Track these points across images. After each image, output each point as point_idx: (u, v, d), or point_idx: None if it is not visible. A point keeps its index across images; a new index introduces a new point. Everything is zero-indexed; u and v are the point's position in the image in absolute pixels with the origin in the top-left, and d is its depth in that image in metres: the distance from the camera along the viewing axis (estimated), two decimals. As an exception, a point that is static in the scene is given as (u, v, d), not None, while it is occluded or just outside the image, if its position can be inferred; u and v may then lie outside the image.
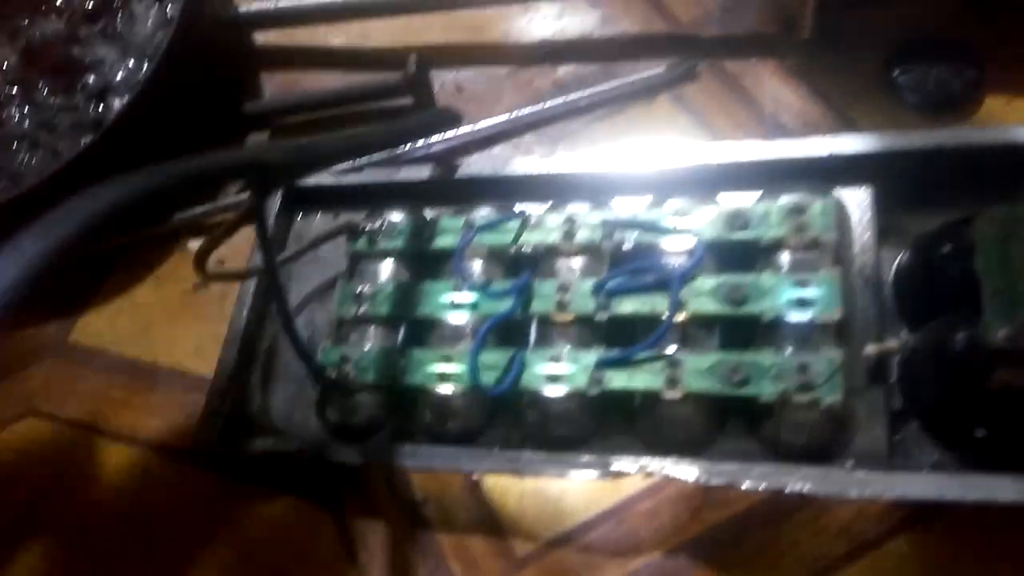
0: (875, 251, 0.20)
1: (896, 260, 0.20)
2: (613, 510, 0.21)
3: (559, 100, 0.27)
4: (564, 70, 0.28)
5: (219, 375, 0.23)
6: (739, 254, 0.20)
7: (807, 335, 0.18)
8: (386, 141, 0.23)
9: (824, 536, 0.19)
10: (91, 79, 0.26)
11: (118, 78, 0.27)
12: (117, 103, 0.27)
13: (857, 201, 0.20)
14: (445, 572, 0.21)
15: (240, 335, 0.23)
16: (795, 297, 0.19)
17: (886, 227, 0.20)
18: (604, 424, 0.20)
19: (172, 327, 0.26)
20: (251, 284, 0.24)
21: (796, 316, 0.19)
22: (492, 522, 0.21)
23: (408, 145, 0.26)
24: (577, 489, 0.21)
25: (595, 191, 0.22)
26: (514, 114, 0.27)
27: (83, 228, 0.13)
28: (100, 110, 0.27)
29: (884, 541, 0.19)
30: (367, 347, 0.22)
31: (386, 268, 0.23)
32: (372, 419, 0.21)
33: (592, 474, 0.18)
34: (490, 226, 0.22)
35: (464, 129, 0.27)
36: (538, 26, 0.30)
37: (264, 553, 0.22)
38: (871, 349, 0.18)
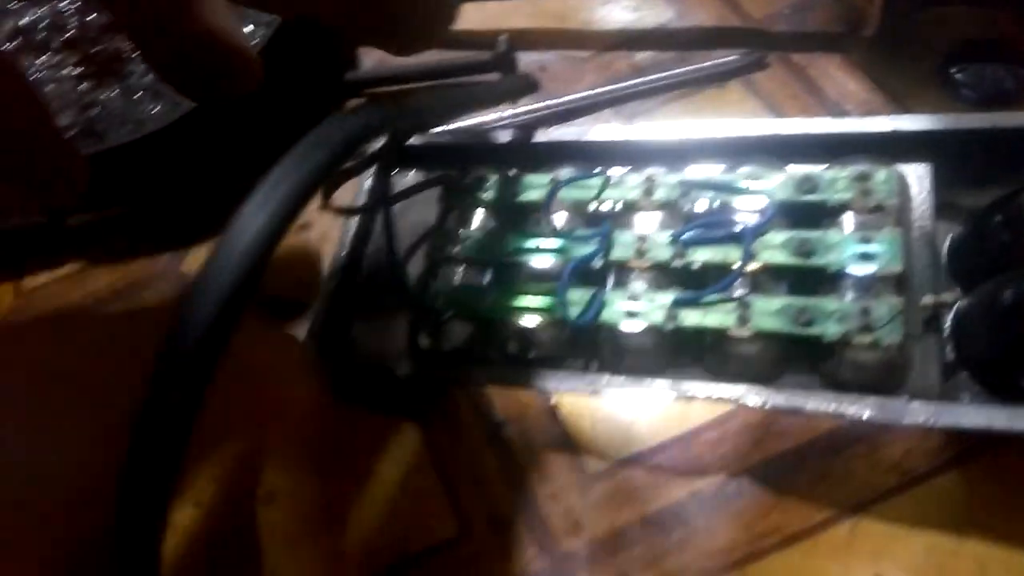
0: (932, 220, 0.21)
1: (950, 232, 0.22)
2: (680, 437, 0.23)
3: (637, 80, 0.29)
4: (641, 56, 0.31)
5: (321, 301, 0.25)
6: (807, 215, 0.22)
7: (869, 285, 0.20)
8: (482, 101, 0.25)
9: (877, 470, 0.21)
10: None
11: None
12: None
13: (917, 176, 0.22)
14: (524, 480, 0.23)
15: (341, 267, 0.25)
16: (859, 252, 0.20)
17: (942, 202, 0.22)
18: (676, 359, 0.21)
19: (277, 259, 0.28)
20: (351, 226, 0.26)
21: (859, 269, 0.20)
22: (567, 442, 0.23)
23: (493, 110, 0.28)
24: (647, 418, 0.23)
25: (671, 157, 0.24)
26: (595, 91, 0.29)
27: (341, 151, 0.14)
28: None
29: (932, 476, 0.21)
30: (457, 283, 0.24)
31: (476, 217, 0.25)
32: (460, 346, 0.23)
33: (669, 396, 0.20)
34: (574, 181, 0.24)
35: (547, 101, 0.29)
36: (617, 16, 0.32)
37: (362, 460, 0.24)
38: (928, 299, 0.20)
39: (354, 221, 0.26)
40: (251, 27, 0.31)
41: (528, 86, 0.27)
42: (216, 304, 0.11)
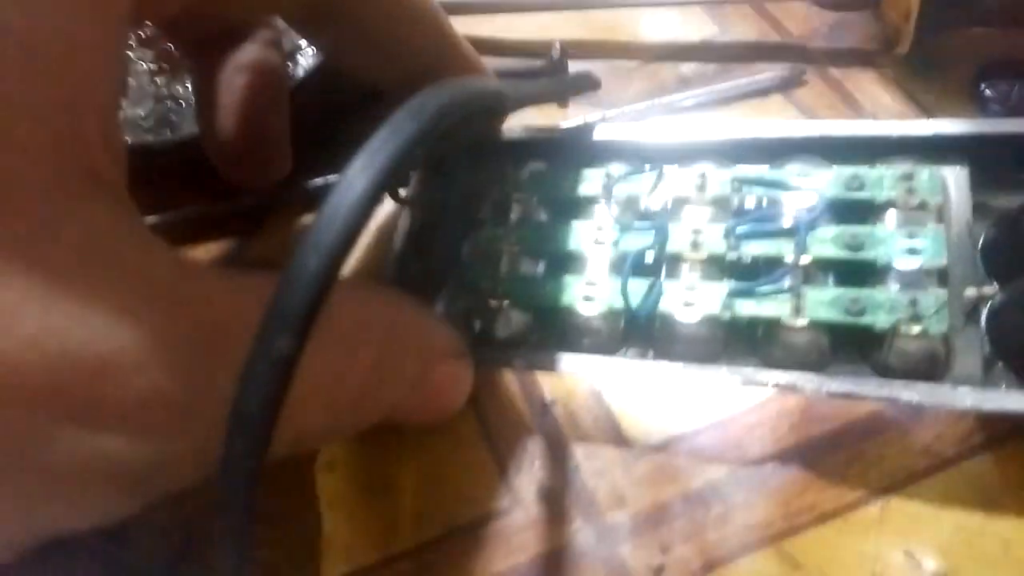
0: (970, 218, 0.23)
1: (983, 231, 0.23)
2: (720, 421, 0.24)
3: (684, 93, 0.31)
4: (686, 67, 0.33)
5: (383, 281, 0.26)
6: (854, 211, 0.23)
7: (915, 279, 0.21)
8: (551, 94, 0.27)
9: (908, 453, 0.22)
10: (286, 40, 0.30)
11: (305, 44, 0.32)
12: (303, 65, 0.32)
13: (954, 177, 0.23)
14: (571, 456, 0.24)
15: (399, 256, 0.27)
16: (905, 247, 0.21)
17: (976, 203, 0.23)
18: (728, 348, 0.23)
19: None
20: (407, 217, 0.27)
21: (905, 263, 0.21)
22: (612, 423, 0.24)
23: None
24: (688, 402, 0.24)
25: (719, 155, 0.25)
26: (644, 104, 0.31)
27: (435, 122, 0.15)
28: (292, 67, 0.32)
29: (961, 459, 0.22)
30: (513, 272, 0.25)
31: (531, 210, 0.26)
32: (515, 333, 0.24)
33: (733, 382, 0.21)
34: (628, 176, 0.25)
35: (601, 112, 0.31)
36: (663, 29, 0.34)
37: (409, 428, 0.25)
38: (971, 292, 0.21)
39: (410, 211, 0.28)
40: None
41: (591, 83, 0.29)
42: (325, 260, 0.12)
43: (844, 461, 0.23)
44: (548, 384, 0.26)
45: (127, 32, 0.15)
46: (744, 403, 0.24)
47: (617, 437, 0.24)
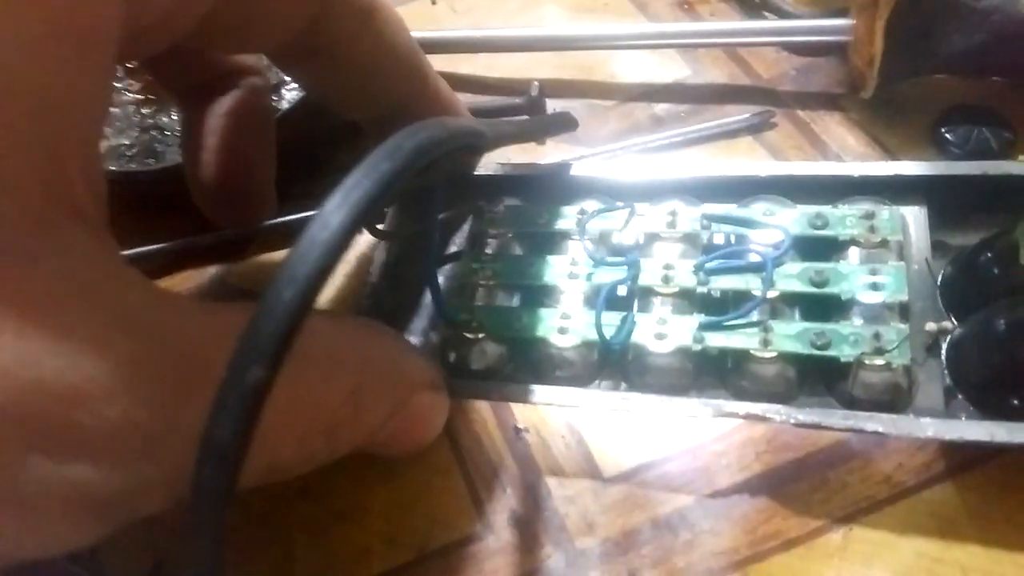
0: (930, 256, 0.24)
1: (941, 268, 0.24)
2: (689, 449, 0.24)
3: (657, 134, 0.32)
4: (660, 107, 0.34)
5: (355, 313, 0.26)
6: (818, 248, 0.24)
7: (878, 312, 0.22)
8: (529, 133, 0.28)
9: (869, 482, 0.23)
10: (271, 74, 0.31)
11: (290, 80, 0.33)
12: (288, 99, 0.33)
13: (914, 216, 0.24)
14: (543, 483, 0.24)
15: (374, 288, 0.27)
16: (868, 282, 0.22)
17: (935, 242, 0.24)
18: (698, 380, 0.23)
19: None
20: (384, 249, 0.28)
21: (868, 297, 0.22)
22: (584, 450, 0.25)
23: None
24: (658, 430, 0.25)
25: (688, 193, 0.26)
26: (620, 144, 0.32)
27: (412, 159, 0.15)
28: (276, 100, 0.33)
29: (921, 488, 0.23)
30: (488, 304, 0.25)
31: (506, 245, 0.27)
32: (490, 364, 0.24)
33: (704, 413, 0.21)
34: (601, 212, 0.26)
35: (577, 152, 0.32)
36: (638, 71, 0.35)
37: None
38: (931, 326, 0.22)
39: (386, 244, 0.28)
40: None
41: (569, 123, 0.29)
42: (299, 292, 0.13)
43: (808, 489, 0.23)
44: (521, 412, 0.26)
45: (112, 73, 0.15)
46: (712, 432, 0.25)
47: (588, 464, 0.25)
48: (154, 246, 0.31)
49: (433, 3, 0.40)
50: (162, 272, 0.32)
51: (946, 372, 0.22)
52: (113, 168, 0.32)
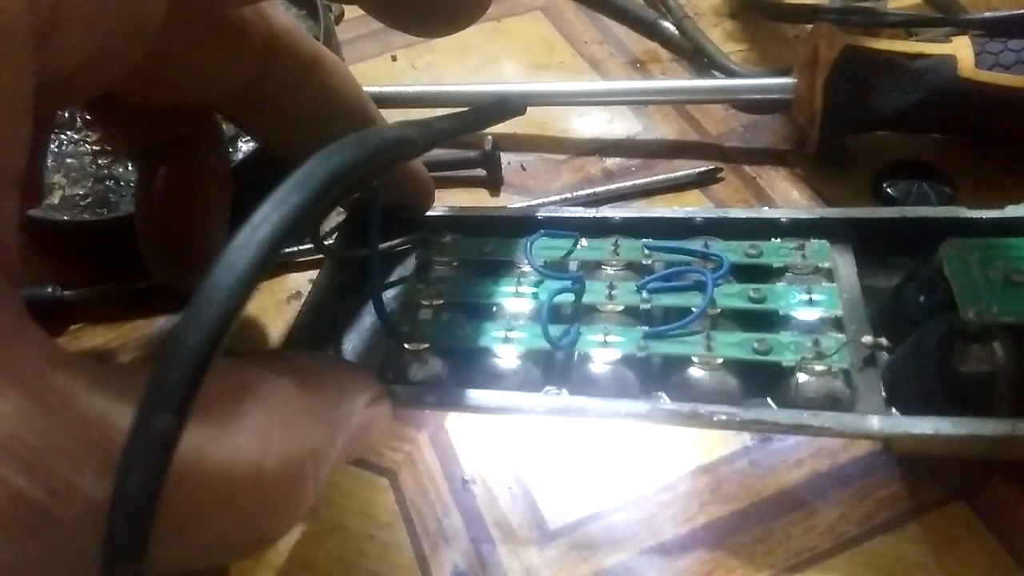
0: (858, 290, 0.24)
1: (871, 304, 0.24)
2: (634, 500, 0.24)
3: (608, 187, 0.33)
4: (611, 161, 0.34)
5: (293, 342, 0.25)
6: (755, 274, 0.25)
7: (815, 326, 0.23)
8: (472, 125, 0.27)
9: (813, 533, 0.23)
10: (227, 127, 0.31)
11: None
12: (243, 149, 0.33)
13: (841, 255, 0.25)
14: (487, 537, 0.24)
15: (315, 309, 0.26)
16: (803, 299, 0.23)
17: (864, 287, 0.25)
18: (644, 389, 0.23)
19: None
20: (326, 271, 0.27)
21: (804, 313, 0.23)
22: (530, 501, 0.25)
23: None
24: (605, 480, 0.25)
25: (632, 232, 0.27)
26: (572, 195, 0.32)
27: (323, 188, 0.14)
28: (232, 151, 0.33)
29: (863, 540, 0.23)
30: (434, 319, 0.25)
31: (452, 270, 0.27)
32: (431, 376, 0.24)
33: (644, 411, 0.21)
34: (546, 239, 0.26)
35: (529, 202, 0.32)
36: (591, 126, 0.36)
37: (326, 509, 0.25)
38: (867, 339, 0.22)
39: (329, 264, 0.27)
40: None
41: (512, 107, 0.28)
42: (203, 336, 0.12)
43: (752, 541, 0.23)
44: (468, 462, 0.26)
45: (28, 122, 0.14)
46: (657, 482, 0.25)
47: (534, 515, 0.24)
48: (93, 289, 0.31)
49: (394, 59, 0.41)
50: (108, 319, 0.31)
51: (884, 393, 0.22)
52: (66, 218, 0.32)
